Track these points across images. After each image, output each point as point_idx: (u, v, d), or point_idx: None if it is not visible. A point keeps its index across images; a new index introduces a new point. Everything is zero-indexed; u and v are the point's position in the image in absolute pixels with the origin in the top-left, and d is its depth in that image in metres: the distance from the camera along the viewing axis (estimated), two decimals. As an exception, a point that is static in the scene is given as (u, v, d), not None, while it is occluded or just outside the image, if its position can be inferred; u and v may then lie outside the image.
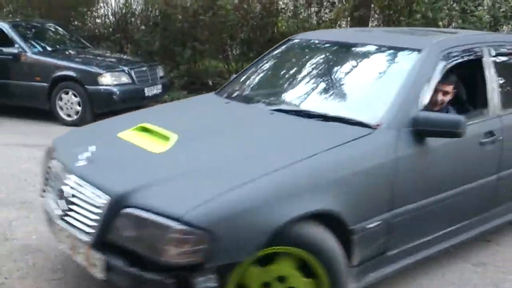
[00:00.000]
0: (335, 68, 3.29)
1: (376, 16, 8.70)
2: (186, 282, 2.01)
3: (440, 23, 7.11)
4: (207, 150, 2.50)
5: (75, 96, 6.76)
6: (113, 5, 10.45)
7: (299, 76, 3.41)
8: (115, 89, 6.77)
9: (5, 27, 7.27)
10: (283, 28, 8.61)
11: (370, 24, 8.24)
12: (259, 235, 2.05)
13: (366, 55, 3.28)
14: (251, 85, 3.58)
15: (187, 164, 2.35)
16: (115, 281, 2.19)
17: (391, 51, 3.11)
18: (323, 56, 3.48)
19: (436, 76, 2.82)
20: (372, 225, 2.49)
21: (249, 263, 2.13)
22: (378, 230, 2.54)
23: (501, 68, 3.23)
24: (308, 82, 3.29)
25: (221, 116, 3.17)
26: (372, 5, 8.37)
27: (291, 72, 3.52)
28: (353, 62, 3.28)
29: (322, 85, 3.18)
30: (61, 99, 6.82)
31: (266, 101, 3.17)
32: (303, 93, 3.19)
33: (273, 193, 2.14)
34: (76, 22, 10.27)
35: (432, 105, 3.12)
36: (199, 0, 8.81)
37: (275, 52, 3.71)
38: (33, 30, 7.83)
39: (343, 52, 3.39)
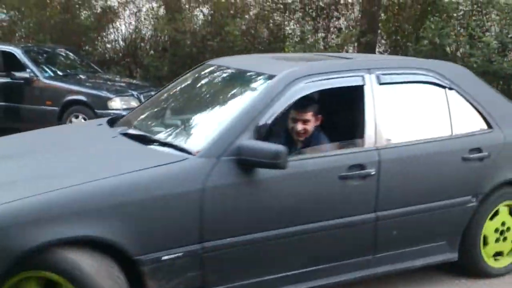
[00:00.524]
0: (206, 94, 3.25)
1: (383, 41, 8.77)
2: None
3: (448, 49, 7.15)
4: (18, 165, 2.55)
5: (85, 120, 6.83)
6: (123, 30, 10.62)
7: (174, 101, 3.41)
8: (124, 113, 6.81)
9: (17, 52, 7.39)
10: (290, 53, 8.70)
11: (377, 50, 8.31)
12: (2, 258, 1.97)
13: (234, 81, 3.16)
14: (141, 108, 3.49)
15: None
16: None
17: (256, 77, 2.92)
18: (206, 81, 3.36)
19: (285, 104, 2.61)
20: (169, 257, 2.29)
21: None
22: (182, 263, 2.34)
23: (385, 97, 2.91)
24: (175, 107, 3.32)
25: (72, 137, 3.24)
26: (379, 31, 8.46)
27: (174, 96, 3.43)
28: (222, 88, 3.18)
29: (184, 111, 3.19)
30: (71, 122, 6.89)
31: (126, 125, 3.08)
32: (163, 118, 3.17)
33: (28, 215, 2.04)
34: (87, 47, 10.40)
35: (296, 134, 2.96)
36: (207, 26, 8.94)
37: (184, 76, 3.53)
38: (44, 55, 7.94)
39: (224, 78, 3.26)
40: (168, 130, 2.90)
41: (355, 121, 2.88)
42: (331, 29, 8.59)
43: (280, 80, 2.67)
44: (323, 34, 8.59)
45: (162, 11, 10.10)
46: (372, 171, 2.71)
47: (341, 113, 3.19)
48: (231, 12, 8.96)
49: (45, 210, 2.09)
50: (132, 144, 2.69)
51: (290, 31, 8.83)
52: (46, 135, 3.46)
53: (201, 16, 9.26)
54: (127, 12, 10.37)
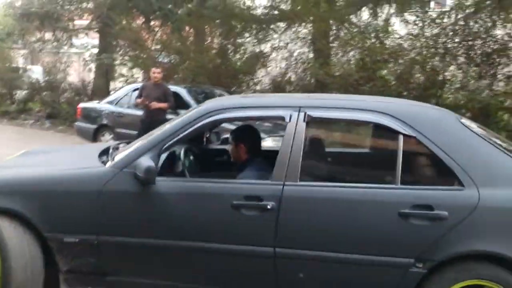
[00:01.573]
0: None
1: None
2: None
3: None
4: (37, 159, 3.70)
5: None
6: (273, 73, 10.95)
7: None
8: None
9: (182, 92, 7.95)
10: (449, 100, 8.19)
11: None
12: None
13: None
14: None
15: None
16: None
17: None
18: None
19: (198, 131, 3.00)
20: (69, 240, 2.91)
21: None
22: (77, 247, 2.92)
23: (312, 135, 3.09)
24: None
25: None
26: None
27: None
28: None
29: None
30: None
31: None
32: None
33: None
34: (234, 88, 10.91)
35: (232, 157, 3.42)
36: (359, 71, 8.82)
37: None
38: (203, 94, 8.44)
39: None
40: (122, 150, 3.34)
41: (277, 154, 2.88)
42: (498, 76, 7.94)
43: (196, 111, 3.07)
44: (488, 81, 7.97)
45: (311, 55, 10.26)
46: (269, 205, 2.70)
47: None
48: (384, 57, 8.76)
49: None
50: (95, 155, 3.35)
51: (449, 77, 8.33)
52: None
53: (353, 61, 9.15)
54: (279, 56, 10.70)
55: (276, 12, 10.80)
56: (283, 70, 10.74)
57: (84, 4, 15.07)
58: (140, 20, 14.30)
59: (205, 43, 12.16)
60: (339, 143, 3.20)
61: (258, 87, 11.30)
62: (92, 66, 15.44)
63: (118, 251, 2.94)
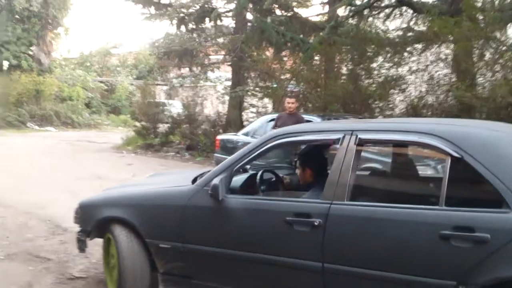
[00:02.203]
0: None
1: None
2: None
3: None
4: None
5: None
6: (408, 97, 10.42)
7: None
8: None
9: (316, 120, 7.92)
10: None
11: None
12: (92, 220, 4.05)
13: None
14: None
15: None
16: None
17: None
18: None
19: (262, 154, 3.38)
20: (163, 245, 3.53)
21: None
22: (169, 252, 3.51)
23: (362, 157, 3.22)
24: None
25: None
26: None
27: None
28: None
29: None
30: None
31: None
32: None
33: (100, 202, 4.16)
34: (376, 113, 10.55)
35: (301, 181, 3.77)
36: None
37: None
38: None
39: None
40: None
41: (328, 175, 3.13)
42: None
43: (262, 138, 3.52)
44: None
45: (454, 77, 9.57)
46: (316, 222, 2.90)
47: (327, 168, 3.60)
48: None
49: (110, 200, 4.14)
50: (194, 176, 3.89)
51: None
52: None
53: (503, 81, 8.33)
54: (416, 79, 10.16)
55: (412, 33, 10.34)
56: (422, 94, 10.14)
57: (220, 40, 15.88)
58: (269, 52, 14.67)
59: (335, 70, 12.03)
60: (388, 164, 3.51)
61: (391, 112, 10.84)
62: (226, 98, 16.11)
63: (197, 257, 3.46)
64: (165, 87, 22.32)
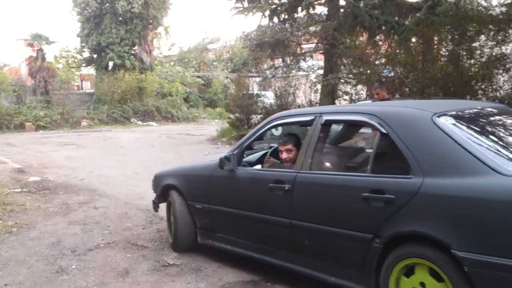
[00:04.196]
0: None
1: None
2: None
3: None
4: None
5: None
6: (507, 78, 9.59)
7: None
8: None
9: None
10: None
11: None
12: (159, 187, 5.26)
13: None
14: None
15: None
16: None
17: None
18: None
19: (264, 133, 4.38)
20: (198, 206, 4.67)
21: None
22: (202, 211, 4.64)
23: (323, 134, 3.84)
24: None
25: None
26: None
27: None
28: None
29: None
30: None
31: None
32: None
33: (164, 173, 5.31)
34: (479, 95, 9.87)
35: (284, 161, 4.30)
36: None
37: None
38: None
39: None
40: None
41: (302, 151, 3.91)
42: None
43: (266, 120, 4.40)
44: None
45: None
46: (286, 187, 3.73)
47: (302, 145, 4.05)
48: None
49: (167, 172, 5.36)
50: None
51: None
52: None
53: None
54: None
55: (518, 8, 9.48)
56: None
57: (311, 28, 15.73)
58: (363, 37, 14.25)
59: (434, 52, 11.37)
60: (342, 140, 4.60)
61: (495, 94, 10.03)
62: (318, 86, 15.93)
63: (218, 215, 4.47)
64: (258, 79, 22.61)
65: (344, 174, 3.59)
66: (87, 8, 28.00)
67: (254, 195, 4.09)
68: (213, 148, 14.55)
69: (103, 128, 24.30)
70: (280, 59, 17.94)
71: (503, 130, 3.38)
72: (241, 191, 4.24)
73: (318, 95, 16.03)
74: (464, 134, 3.03)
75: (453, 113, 3.29)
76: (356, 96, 13.70)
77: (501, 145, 3.07)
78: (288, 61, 17.30)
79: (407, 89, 11.24)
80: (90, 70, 33.34)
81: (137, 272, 4.45)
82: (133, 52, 29.09)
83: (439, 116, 3.16)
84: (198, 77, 33.90)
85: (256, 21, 41.08)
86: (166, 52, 36.76)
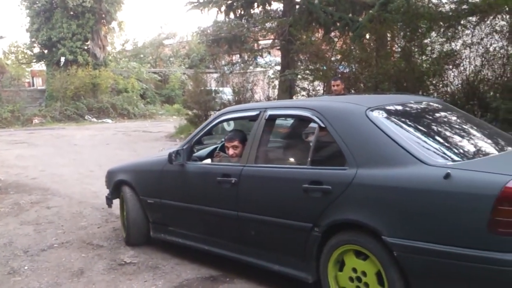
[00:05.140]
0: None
1: None
2: None
3: None
4: None
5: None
6: (467, 72, 9.95)
7: None
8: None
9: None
10: None
11: None
12: (112, 183, 5.37)
13: None
14: None
15: None
16: None
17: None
18: None
19: (212, 128, 4.48)
20: (150, 201, 4.71)
21: None
22: (153, 206, 4.69)
23: (267, 129, 3.92)
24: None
25: None
26: None
27: None
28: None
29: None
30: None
31: None
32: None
33: (116, 169, 5.46)
34: (430, 91, 10.19)
35: (231, 157, 4.29)
36: None
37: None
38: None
39: None
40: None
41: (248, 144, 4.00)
42: None
43: (213, 115, 4.50)
44: None
45: (510, 49, 9.03)
46: (233, 180, 3.83)
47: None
48: None
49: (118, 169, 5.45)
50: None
51: None
52: None
53: None
54: (471, 54, 9.67)
55: (466, 6, 9.83)
56: (478, 68, 9.65)
57: (268, 24, 15.78)
58: (319, 33, 14.43)
59: (387, 48, 11.65)
60: (285, 134, 4.60)
61: (446, 89, 10.38)
62: (276, 82, 16.03)
63: (169, 210, 4.54)
64: (216, 75, 22.51)
65: (287, 167, 3.79)
66: (37, 2, 27.11)
67: (203, 188, 4.18)
68: (171, 145, 14.38)
69: (56, 126, 23.61)
70: (238, 55, 17.91)
71: (433, 123, 3.56)
72: (190, 185, 4.32)
73: (276, 91, 16.12)
74: (394, 127, 3.21)
75: (387, 107, 3.46)
76: (314, 92, 13.85)
77: (429, 137, 3.25)
78: (246, 57, 17.30)
79: (361, 85, 11.47)
80: (41, 66, 32.31)
81: (93, 271, 4.37)
82: (85, 48, 28.37)
83: (372, 110, 3.32)
84: (155, 73, 33.43)
85: (212, 16, 40.85)
86: (120, 47, 36.08)
